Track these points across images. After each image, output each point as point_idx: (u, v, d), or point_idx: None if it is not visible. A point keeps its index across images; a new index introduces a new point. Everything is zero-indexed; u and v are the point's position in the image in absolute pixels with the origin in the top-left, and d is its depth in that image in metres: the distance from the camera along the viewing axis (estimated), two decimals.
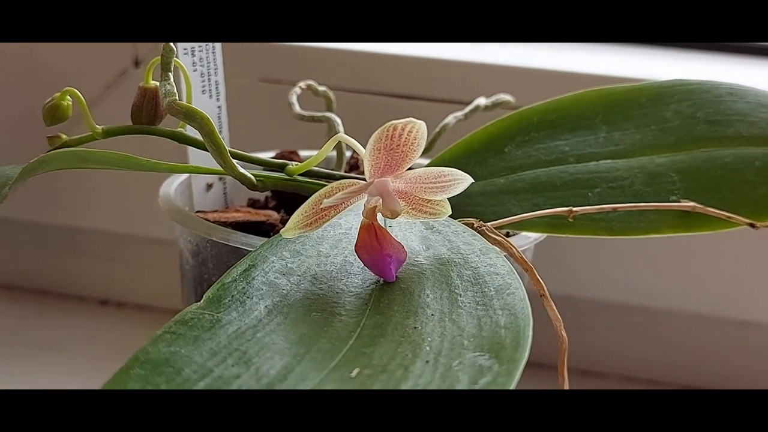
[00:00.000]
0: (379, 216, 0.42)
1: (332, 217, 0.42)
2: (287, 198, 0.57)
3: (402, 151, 0.40)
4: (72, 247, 0.83)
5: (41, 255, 0.83)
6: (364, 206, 0.42)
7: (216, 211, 0.56)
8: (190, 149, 0.54)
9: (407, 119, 0.39)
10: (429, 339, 0.37)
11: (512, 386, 0.33)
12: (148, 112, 0.46)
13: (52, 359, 0.75)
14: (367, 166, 0.41)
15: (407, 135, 0.40)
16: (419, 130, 0.40)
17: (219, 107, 0.57)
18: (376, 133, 0.39)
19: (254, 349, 0.36)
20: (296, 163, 0.48)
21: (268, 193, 0.59)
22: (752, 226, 0.48)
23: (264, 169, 0.50)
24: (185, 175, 0.56)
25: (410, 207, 0.43)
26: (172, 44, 0.45)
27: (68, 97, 0.46)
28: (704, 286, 0.72)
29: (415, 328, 0.38)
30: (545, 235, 0.51)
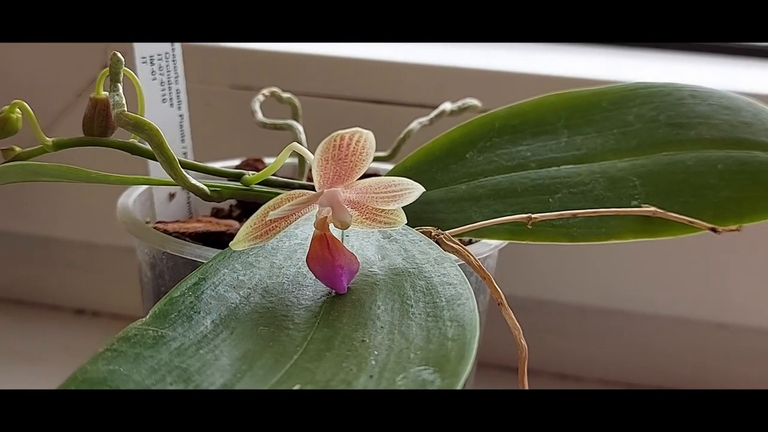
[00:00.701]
0: (331, 226, 0.42)
1: (283, 229, 0.41)
2: (251, 207, 0.56)
3: (351, 161, 0.40)
4: (47, 257, 0.82)
5: (16, 265, 0.83)
6: (316, 217, 0.41)
7: (177, 221, 0.55)
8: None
9: (354, 129, 0.39)
10: (376, 353, 0.36)
11: None
12: (99, 124, 0.46)
13: (28, 369, 0.74)
14: (316, 177, 0.40)
15: (355, 145, 0.39)
16: (367, 139, 0.39)
17: (181, 116, 0.56)
18: (323, 143, 0.39)
19: (195, 366, 0.35)
20: (253, 172, 0.48)
21: (233, 202, 0.59)
22: (714, 230, 0.47)
23: (228, 180, 0.49)
24: (146, 186, 0.56)
25: (364, 217, 0.43)
26: (119, 55, 0.44)
27: (17, 110, 0.45)
28: (681, 289, 0.71)
29: (363, 341, 0.37)
30: (507, 242, 0.51)
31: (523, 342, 0.44)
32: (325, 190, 0.41)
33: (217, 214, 0.58)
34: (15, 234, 0.82)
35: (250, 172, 0.48)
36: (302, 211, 0.41)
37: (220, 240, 0.52)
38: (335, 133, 0.39)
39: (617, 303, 0.72)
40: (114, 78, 0.44)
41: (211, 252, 0.47)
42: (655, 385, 0.74)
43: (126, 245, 0.79)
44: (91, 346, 0.78)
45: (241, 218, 0.57)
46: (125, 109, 0.43)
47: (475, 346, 0.35)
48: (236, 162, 0.61)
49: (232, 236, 0.52)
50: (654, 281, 0.71)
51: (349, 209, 0.41)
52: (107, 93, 0.46)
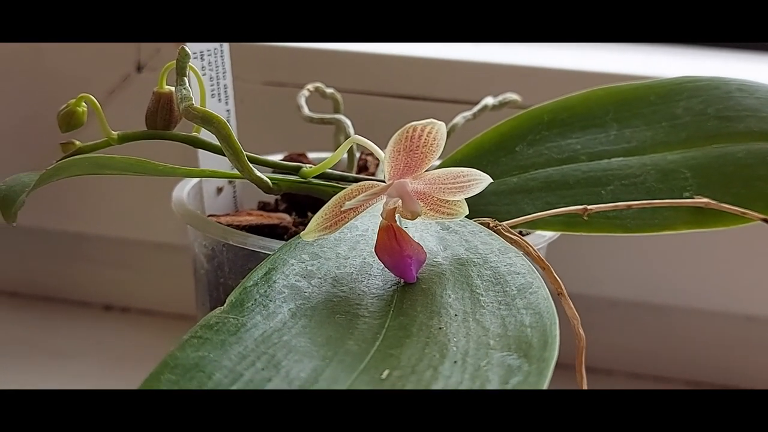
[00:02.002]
0: (396, 217, 0.42)
1: (350, 219, 0.42)
2: (297, 200, 0.57)
3: (421, 152, 0.40)
4: (76, 253, 0.82)
5: (45, 261, 0.83)
6: (384, 208, 0.42)
7: (228, 214, 0.56)
8: (201, 153, 0.54)
9: (427, 120, 0.39)
10: (455, 339, 0.37)
11: (544, 386, 0.33)
12: (163, 117, 0.46)
13: (57, 365, 0.75)
14: (386, 168, 0.41)
15: (426, 136, 0.40)
16: (438, 131, 0.40)
17: (228, 111, 0.57)
18: (396, 134, 0.39)
19: (282, 352, 0.36)
20: (309, 165, 0.48)
21: (278, 196, 0.59)
22: (766, 221, 0.48)
23: (274, 172, 0.50)
24: (196, 179, 0.56)
25: (428, 208, 0.44)
26: (187, 49, 0.45)
27: (83, 104, 0.46)
28: (709, 282, 0.72)
29: (440, 328, 0.38)
30: (559, 233, 0.51)
31: (581, 332, 0.45)
32: (395, 181, 0.41)
33: (263, 207, 0.58)
34: (43, 230, 0.82)
35: (307, 165, 0.48)
36: (371, 202, 0.42)
37: (273, 232, 0.52)
38: (408, 125, 0.39)
39: (645, 296, 0.73)
40: (181, 72, 0.44)
41: (273, 243, 0.48)
42: (683, 378, 0.74)
43: (155, 240, 0.79)
44: (121, 342, 0.79)
45: (289, 211, 0.57)
46: (192, 102, 0.44)
47: (557, 332, 0.36)
48: (278, 156, 0.61)
49: (284, 228, 0.53)
50: (683, 274, 0.72)
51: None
52: (170, 87, 0.46)
